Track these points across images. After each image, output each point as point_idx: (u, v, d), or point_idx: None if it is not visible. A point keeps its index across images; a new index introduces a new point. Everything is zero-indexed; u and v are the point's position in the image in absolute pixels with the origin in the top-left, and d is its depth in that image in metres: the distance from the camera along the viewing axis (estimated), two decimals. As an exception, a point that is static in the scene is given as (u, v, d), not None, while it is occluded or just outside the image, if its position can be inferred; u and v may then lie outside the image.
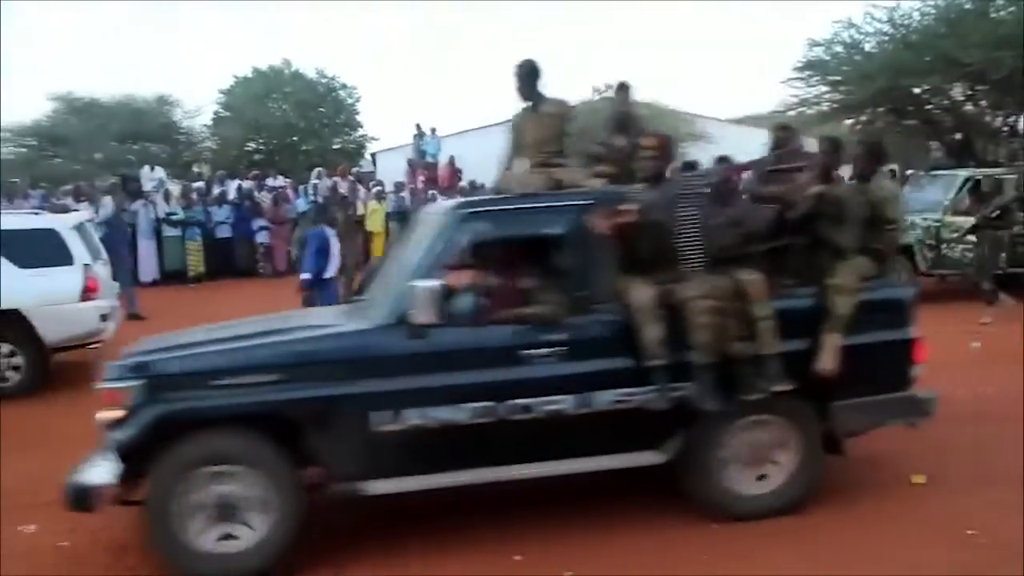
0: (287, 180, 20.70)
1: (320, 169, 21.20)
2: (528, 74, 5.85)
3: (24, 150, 33.42)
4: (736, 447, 5.00)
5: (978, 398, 7.35)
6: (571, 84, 78.00)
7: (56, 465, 5.64)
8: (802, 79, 19.06)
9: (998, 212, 11.60)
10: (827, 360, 4.89)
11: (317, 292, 9.71)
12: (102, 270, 9.86)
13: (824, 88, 19.14)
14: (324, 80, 37.24)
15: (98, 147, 32.86)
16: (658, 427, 4.82)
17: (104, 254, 10.47)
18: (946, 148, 18.10)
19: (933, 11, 17.49)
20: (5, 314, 8.75)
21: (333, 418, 4.52)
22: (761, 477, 5.06)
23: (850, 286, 5.01)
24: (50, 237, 9.28)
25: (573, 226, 4.90)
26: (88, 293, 9.25)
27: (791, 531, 4.87)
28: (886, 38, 18.01)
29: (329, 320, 5.35)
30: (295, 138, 35.97)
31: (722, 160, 5.46)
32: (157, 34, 61.16)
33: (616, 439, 4.85)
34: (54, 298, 9.01)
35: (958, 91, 17.98)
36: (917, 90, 18.03)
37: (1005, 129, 18.52)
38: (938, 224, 12.74)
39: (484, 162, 22.73)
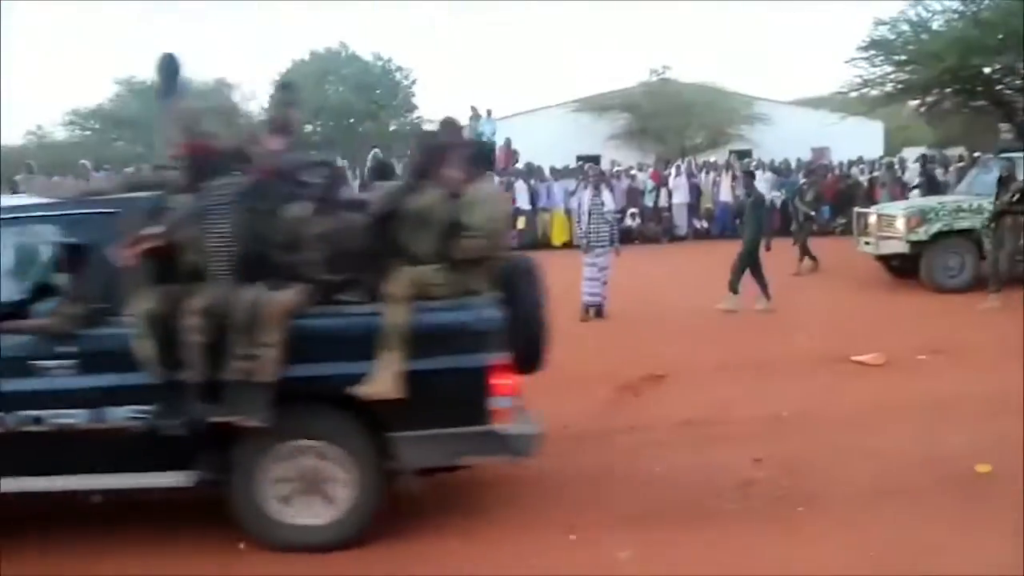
0: (344, 161, 20.79)
1: (376, 150, 21.25)
2: (166, 68, 5.54)
3: (88, 133, 34.15)
4: (281, 473, 4.57)
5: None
6: (628, 65, 77.54)
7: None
8: (866, 59, 18.56)
9: (1017, 196, 11.07)
10: (376, 383, 4.36)
11: None
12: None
13: (889, 68, 18.62)
14: (380, 62, 37.47)
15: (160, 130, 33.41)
16: (182, 447, 4.42)
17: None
18: (1017, 129, 17.55)
19: (1007, -13, 16.92)
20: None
21: None
22: (313, 506, 4.60)
23: (401, 294, 4.44)
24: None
25: (95, 234, 4.62)
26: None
27: (852, 524, 4.77)
28: (955, 16, 17.48)
29: None
30: (352, 120, 36.29)
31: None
32: (215, 19, 62.03)
33: (138, 457, 4.52)
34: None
35: (1031, 71, 17.39)
36: (987, 69, 17.47)
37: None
38: (1007, 208, 12.40)
39: (538, 144, 22.86)
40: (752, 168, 17.52)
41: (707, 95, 30.62)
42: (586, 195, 11.59)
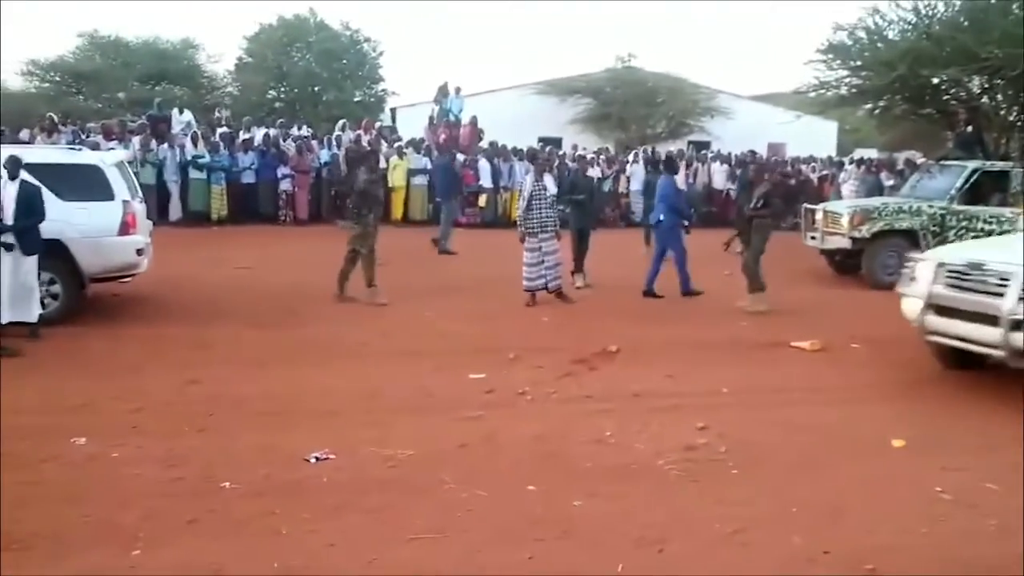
0: (311, 130, 21.04)
1: (344, 121, 21.54)
2: None
3: (47, 85, 33.68)
4: None
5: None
6: (594, 52, 77.55)
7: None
8: (824, 61, 19.17)
9: (762, 202, 11.25)
10: None
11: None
12: (140, 207, 10.29)
13: (845, 72, 19.25)
14: (348, 32, 37.43)
15: (121, 86, 33.19)
16: None
17: (140, 192, 10.92)
18: (957, 138, 18.34)
19: (957, 4, 17.67)
20: (47, 244, 9.12)
21: None
22: None
23: None
24: (93, 173, 9.68)
25: None
26: (126, 228, 9.68)
27: (778, 486, 5.37)
28: (909, 27, 18.15)
29: None
30: (316, 88, 36.26)
31: None
32: (183, -25, 61.06)
33: None
34: (94, 231, 9.43)
35: (975, 84, 18.14)
36: (935, 80, 18.18)
37: (1018, 124, 18.75)
38: (944, 211, 13.23)
39: (504, 123, 23.28)
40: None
41: (670, 85, 31.19)
42: (528, 180, 11.36)
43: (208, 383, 7.37)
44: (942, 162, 15.32)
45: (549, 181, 11.38)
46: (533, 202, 10.98)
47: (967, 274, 7.36)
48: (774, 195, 11.55)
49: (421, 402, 7.03)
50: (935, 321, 7.51)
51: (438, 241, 15.47)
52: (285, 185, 18.42)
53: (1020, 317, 6.74)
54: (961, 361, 7.84)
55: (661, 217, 11.90)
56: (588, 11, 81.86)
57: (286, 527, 4.65)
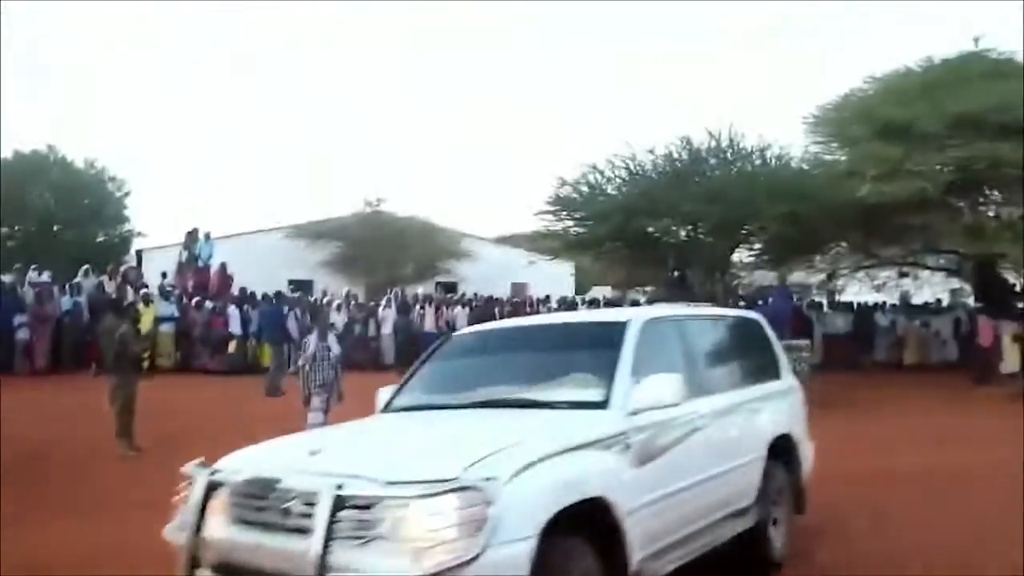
0: (46, 275, 20.40)
1: (87, 266, 21.09)
2: None
3: None
4: None
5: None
6: (344, 196, 78.90)
7: None
8: (552, 212, 21.27)
9: None
10: None
11: None
12: None
13: (570, 222, 21.43)
14: (92, 171, 36.61)
15: None
16: None
17: None
18: (665, 281, 20.71)
19: (663, 164, 20.33)
20: None
21: None
22: None
23: None
24: None
25: None
26: None
27: None
28: (624, 183, 20.58)
29: None
30: (55, 228, 34.99)
31: None
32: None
33: None
34: None
35: (682, 233, 20.75)
36: (650, 229, 20.64)
37: (719, 268, 21.50)
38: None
39: (254, 266, 23.57)
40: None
41: (417, 228, 32.54)
42: (312, 340, 11.30)
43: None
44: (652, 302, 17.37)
45: (332, 341, 11.47)
46: (316, 363, 10.99)
47: (256, 497, 4.26)
48: None
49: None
50: None
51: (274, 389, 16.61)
52: (22, 334, 17.75)
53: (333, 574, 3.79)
54: None
55: None
56: (336, 155, 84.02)
57: None
